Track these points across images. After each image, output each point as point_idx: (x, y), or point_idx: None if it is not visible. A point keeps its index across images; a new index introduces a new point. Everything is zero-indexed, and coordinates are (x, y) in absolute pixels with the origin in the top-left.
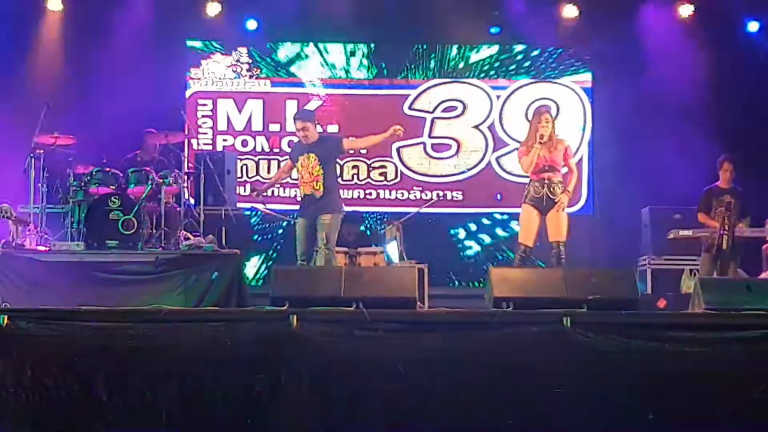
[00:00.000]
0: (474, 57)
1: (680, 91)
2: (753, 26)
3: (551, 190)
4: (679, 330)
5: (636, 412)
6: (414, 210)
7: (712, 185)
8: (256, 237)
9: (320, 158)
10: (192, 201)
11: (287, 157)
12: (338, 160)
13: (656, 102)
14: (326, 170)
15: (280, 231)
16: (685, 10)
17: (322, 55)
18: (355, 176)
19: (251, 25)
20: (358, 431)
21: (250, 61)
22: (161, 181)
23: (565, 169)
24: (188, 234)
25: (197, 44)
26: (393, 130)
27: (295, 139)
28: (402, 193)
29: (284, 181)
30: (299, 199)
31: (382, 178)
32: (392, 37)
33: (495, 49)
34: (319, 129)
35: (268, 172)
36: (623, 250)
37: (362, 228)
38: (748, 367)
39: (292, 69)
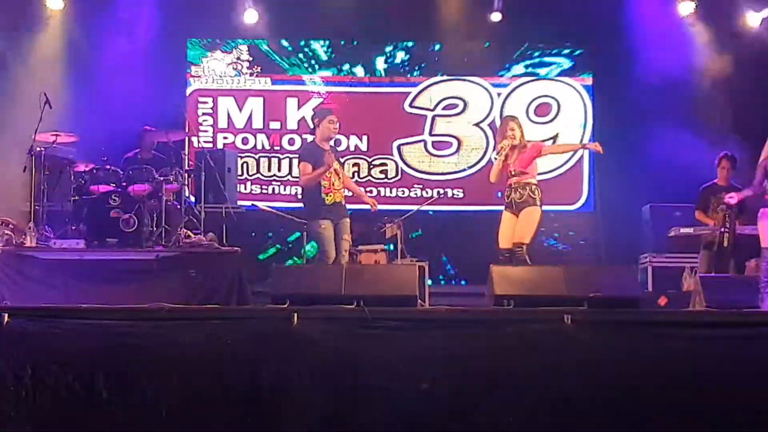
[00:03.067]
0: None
1: (681, 88)
2: (754, 19)
3: (518, 192)
4: (680, 328)
5: (637, 411)
6: (415, 208)
7: (710, 183)
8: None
9: (341, 166)
10: (192, 199)
11: (303, 160)
12: (339, 158)
13: (657, 99)
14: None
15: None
16: (686, 8)
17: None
18: (356, 174)
19: (251, 16)
20: (360, 429)
21: (251, 58)
22: (162, 179)
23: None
24: (189, 232)
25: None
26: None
27: (299, 138)
28: (403, 191)
29: (285, 178)
30: (328, 203)
31: (383, 176)
32: (393, 34)
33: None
34: None
35: (269, 170)
36: (624, 248)
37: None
38: (747, 365)
39: (292, 66)
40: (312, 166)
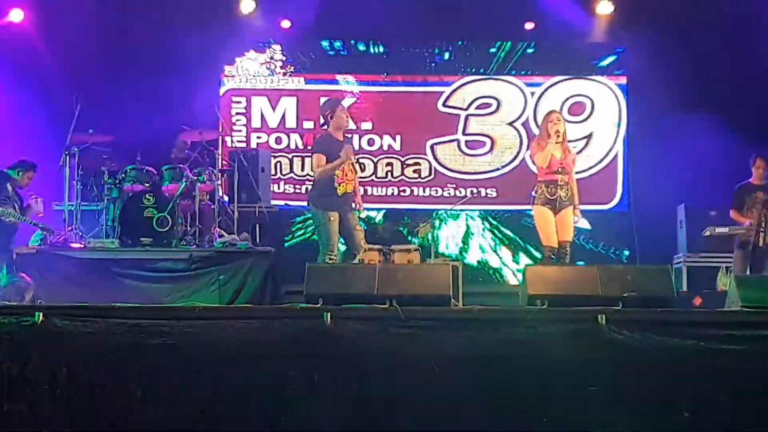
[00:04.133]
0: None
1: (717, 87)
2: None
3: (561, 191)
4: (715, 328)
5: (671, 410)
6: (448, 207)
7: (745, 182)
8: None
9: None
10: (226, 198)
11: (317, 151)
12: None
13: (692, 98)
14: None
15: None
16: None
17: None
18: (389, 173)
19: (285, 24)
20: (392, 429)
21: (284, 58)
22: (195, 178)
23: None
24: (222, 231)
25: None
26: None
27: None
28: (436, 191)
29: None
30: (339, 194)
31: (416, 175)
32: (429, 34)
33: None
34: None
35: (302, 169)
36: (658, 248)
37: (399, 227)
38: None
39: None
40: (326, 157)
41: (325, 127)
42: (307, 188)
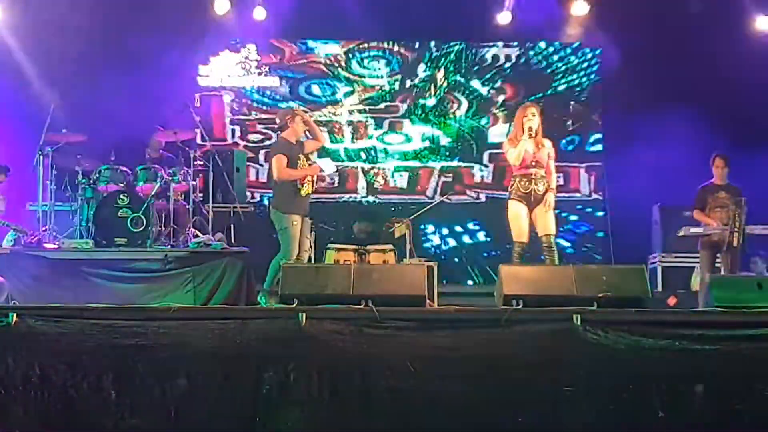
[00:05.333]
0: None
1: (692, 87)
2: (763, 22)
3: (537, 186)
4: (689, 328)
5: (646, 411)
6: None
7: (708, 182)
8: None
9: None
10: (201, 198)
11: (279, 152)
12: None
13: (667, 98)
14: None
15: None
16: (696, 6)
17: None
18: None
19: (259, 14)
20: (368, 429)
21: (259, 58)
22: (170, 178)
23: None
24: (197, 231)
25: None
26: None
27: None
28: None
29: None
30: (302, 195)
31: None
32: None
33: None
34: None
35: None
36: (633, 248)
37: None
38: (757, 365)
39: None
40: (288, 159)
41: (280, 131)
42: None
